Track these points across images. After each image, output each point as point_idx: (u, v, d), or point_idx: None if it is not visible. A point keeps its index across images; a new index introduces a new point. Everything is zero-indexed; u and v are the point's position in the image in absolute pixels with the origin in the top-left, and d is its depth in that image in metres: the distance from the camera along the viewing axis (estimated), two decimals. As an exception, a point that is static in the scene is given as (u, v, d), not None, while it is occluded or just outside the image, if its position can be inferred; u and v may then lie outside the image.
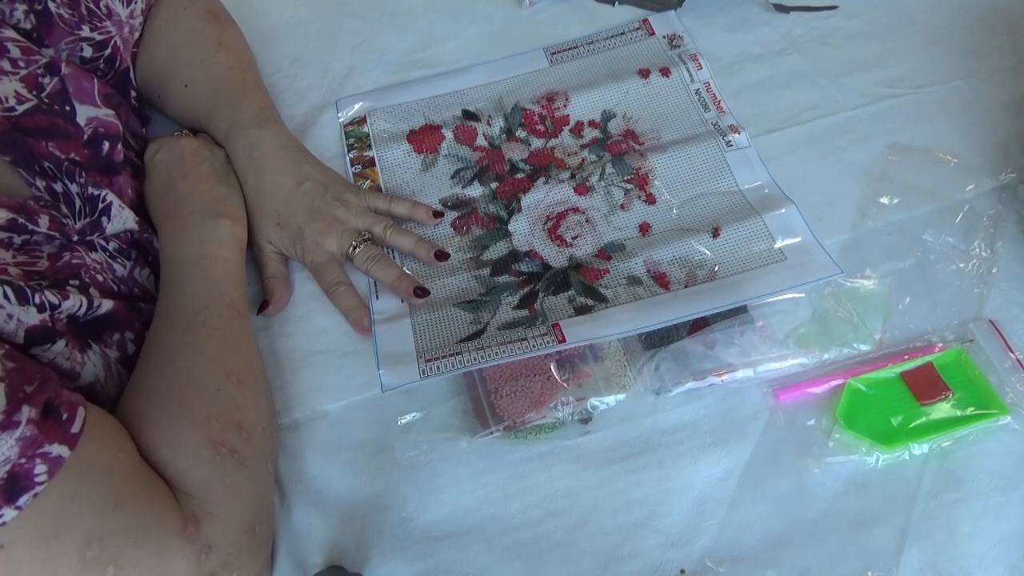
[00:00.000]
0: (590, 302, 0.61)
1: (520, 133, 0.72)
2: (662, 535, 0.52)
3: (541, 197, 0.67)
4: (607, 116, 0.72)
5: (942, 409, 0.54)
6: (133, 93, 0.67)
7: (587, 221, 0.66)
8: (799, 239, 0.62)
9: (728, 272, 0.61)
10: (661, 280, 0.62)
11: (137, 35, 0.66)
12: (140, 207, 0.61)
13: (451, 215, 0.67)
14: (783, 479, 0.53)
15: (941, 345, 0.57)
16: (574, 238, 0.65)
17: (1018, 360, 0.55)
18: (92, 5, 0.62)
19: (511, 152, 0.70)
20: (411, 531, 0.53)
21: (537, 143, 0.71)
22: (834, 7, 0.78)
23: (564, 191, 0.68)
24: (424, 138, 0.72)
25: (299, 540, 0.53)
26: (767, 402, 0.56)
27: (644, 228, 0.65)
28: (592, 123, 0.72)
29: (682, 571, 0.50)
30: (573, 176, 0.68)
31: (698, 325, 0.57)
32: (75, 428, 0.42)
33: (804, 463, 0.53)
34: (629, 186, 0.68)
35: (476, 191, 0.68)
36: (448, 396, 0.57)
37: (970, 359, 0.55)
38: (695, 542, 0.51)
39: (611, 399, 0.55)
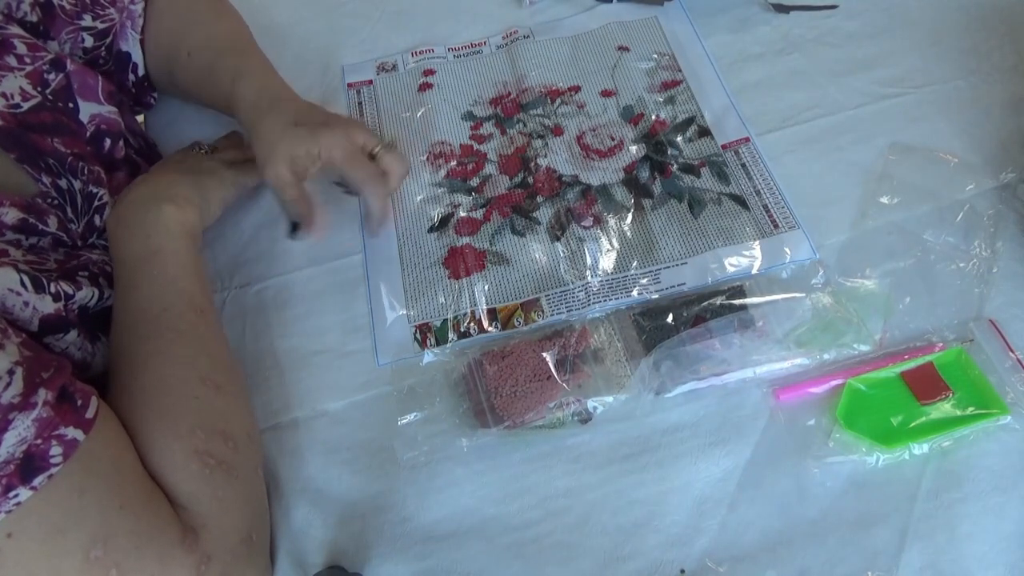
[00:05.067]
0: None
1: (472, 182, 0.70)
2: (662, 535, 0.52)
3: (552, 158, 0.70)
4: (467, 118, 0.74)
5: (942, 409, 0.54)
6: (132, 77, 0.68)
7: (592, 130, 0.72)
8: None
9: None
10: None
11: (141, 21, 0.66)
12: None
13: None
14: (783, 479, 0.53)
15: (941, 345, 0.56)
16: (611, 138, 0.71)
17: (1018, 360, 0.55)
18: None
19: (494, 189, 0.69)
20: (411, 531, 0.53)
21: (491, 170, 0.70)
22: (834, 7, 0.78)
23: (554, 144, 0.71)
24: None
25: (299, 540, 0.53)
26: (767, 402, 0.56)
27: (606, 93, 0.73)
28: (475, 126, 0.73)
29: (682, 571, 0.50)
30: (539, 137, 0.71)
31: (697, 321, 0.58)
32: (89, 414, 0.43)
33: (804, 463, 0.53)
34: (558, 101, 0.74)
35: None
36: (448, 396, 0.57)
37: (970, 359, 0.55)
38: (695, 542, 0.51)
39: (611, 399, 0.55)
